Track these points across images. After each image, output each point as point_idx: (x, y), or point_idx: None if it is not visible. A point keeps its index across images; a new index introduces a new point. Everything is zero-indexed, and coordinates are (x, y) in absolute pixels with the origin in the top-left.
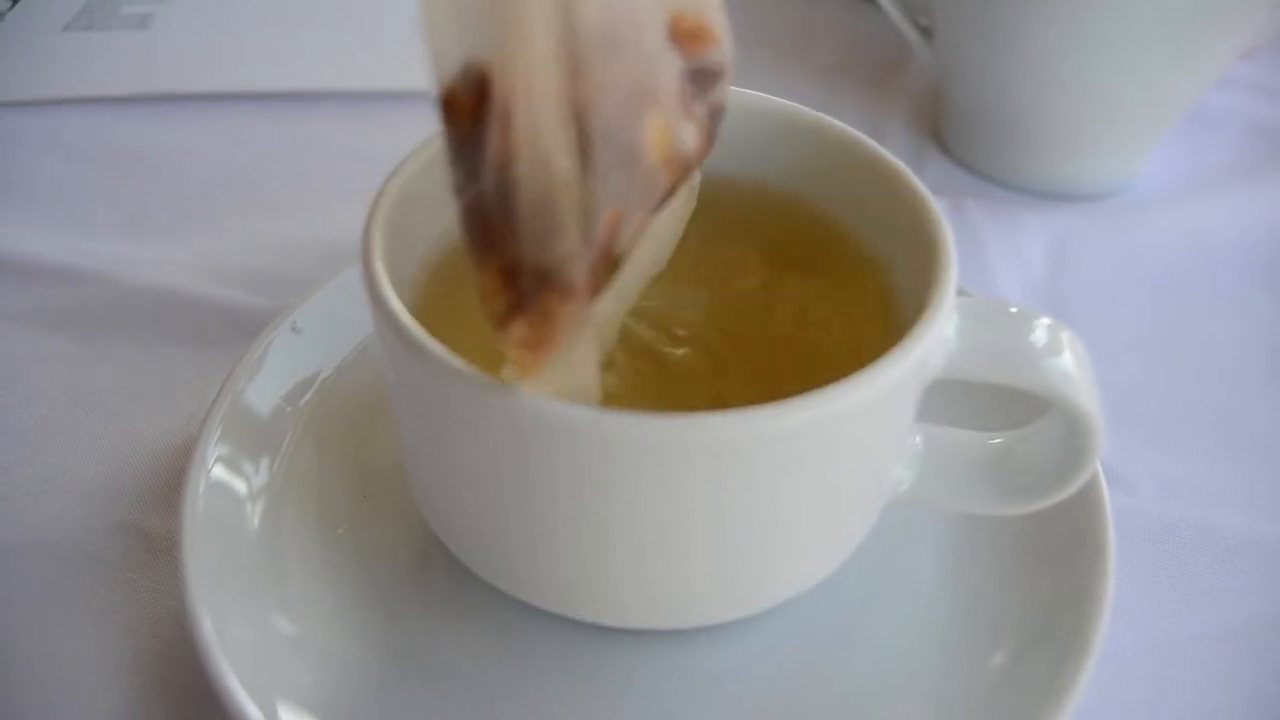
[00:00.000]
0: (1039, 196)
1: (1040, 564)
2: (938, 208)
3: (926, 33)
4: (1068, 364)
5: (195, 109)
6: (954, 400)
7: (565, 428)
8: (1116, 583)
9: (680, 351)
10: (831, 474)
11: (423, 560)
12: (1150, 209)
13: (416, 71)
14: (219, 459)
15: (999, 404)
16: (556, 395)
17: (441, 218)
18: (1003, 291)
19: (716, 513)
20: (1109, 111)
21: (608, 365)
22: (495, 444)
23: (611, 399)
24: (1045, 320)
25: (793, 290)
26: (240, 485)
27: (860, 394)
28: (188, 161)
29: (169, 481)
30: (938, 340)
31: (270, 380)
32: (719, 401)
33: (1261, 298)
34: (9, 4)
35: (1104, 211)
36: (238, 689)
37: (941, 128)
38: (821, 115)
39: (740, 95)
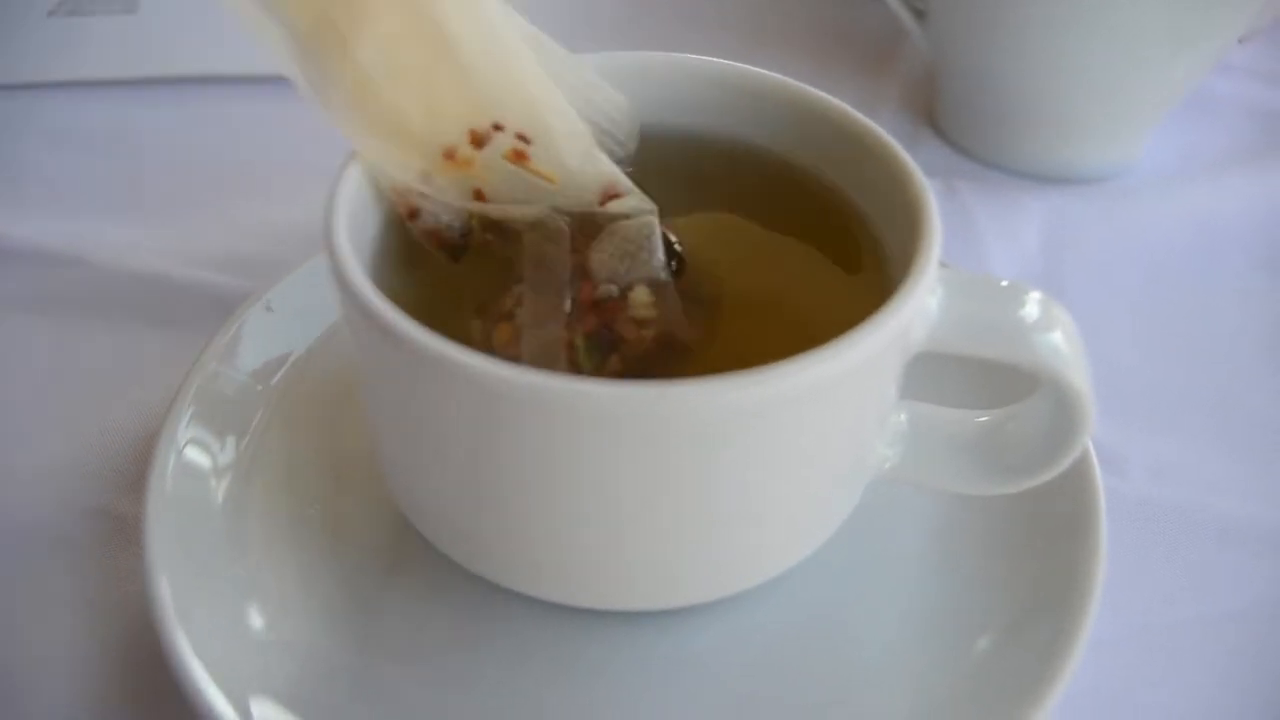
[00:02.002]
0: (1034, 179)
1: (1030, 545)
2: (921, 176)
3: (920, 14)
4: (1058, 339)
5: (179, 92)
6: (941, 378)
7: (536, 397)
8: (1107, 565)
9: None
10: (810, 445)
11: (394, 541)
12: (1147, 192)
13: None
14: (188, 440)
15: (987, 382)
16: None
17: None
18: (995, 274)
19: (691, 483)
20: (1107, 94)
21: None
22: (466, 416)
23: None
24: (1035, 294)
25: (787, 253)
26: (208, 464)
27: (836, 364)
28: (170, 145)
29: (142, 465)
30: (919, 310)
31: (242, 359)
32: (697, 370)
33: (1259, 281)
34: None
35: (1100, 195)
36: (199, 673)
37: (935, 110)
38: (812, 88)
39: (744, 71)
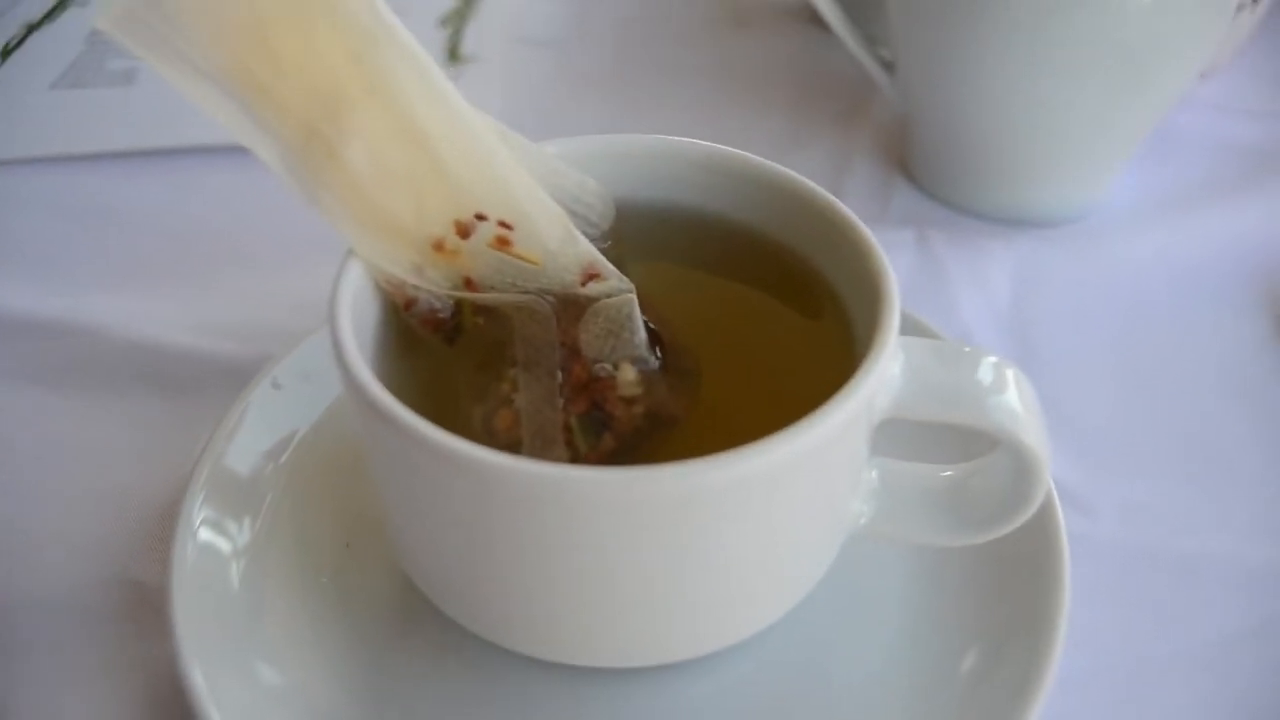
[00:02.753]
0: (1004, 224)
1: (999, 589)
2: (882, 252)
3: (889, 66)
4: (1013, 401)
5: (178, 163)
6: (910, 430)
7: (532, 483)
8: (1078, 606)
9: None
10: (786, 514)
11: (404, 605)
12: (1115, 232)
13: None
14: (204, 521)
15: (958, 436)
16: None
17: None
18: (966, 320)
19: (676, 553)
20: (1069, 138)
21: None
22: (466, 499)
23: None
24: (991, 358)
25: (760, 318)
26: (225, 544)
27: (804, 440)
28: (167, 215)
29: (159, 534)
30: (880, 382)
31: (251, 438)
32: (682, 440)
33: (1227, 318)
34: None
35: (1068, 236)
36: None
37: (907, 159)
38: (779, 166)
39: (709, 149)
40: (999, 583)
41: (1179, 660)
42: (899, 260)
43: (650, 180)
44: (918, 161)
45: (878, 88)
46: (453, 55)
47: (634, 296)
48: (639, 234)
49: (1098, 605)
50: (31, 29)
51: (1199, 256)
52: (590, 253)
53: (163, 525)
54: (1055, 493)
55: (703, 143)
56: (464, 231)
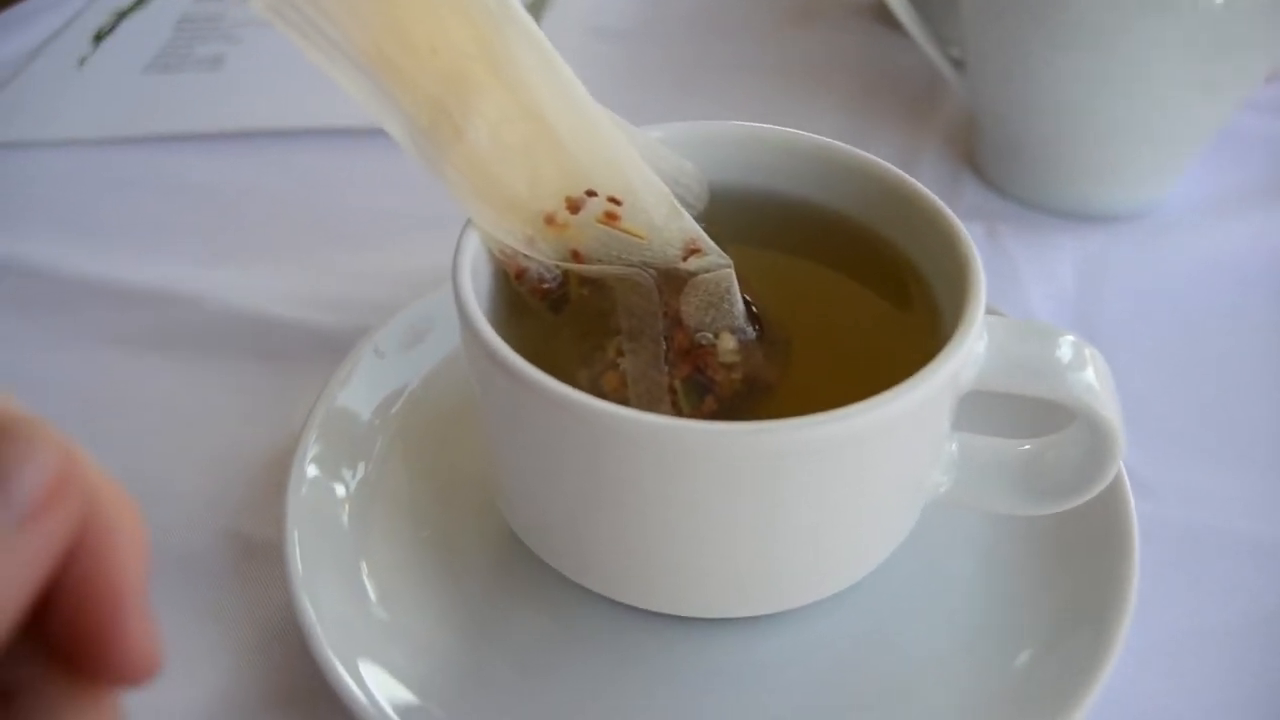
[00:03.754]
0: (1071, 219)
1: (1070, 561)
2: (968, 236)
3: (959, 64)
4: (1090, 377)
5: (270, 144)
6: (988, 410)
7: (636, 433)
8: (1140, 580)
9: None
10: (873, 476)
11: (499, 556)
12: (1178, 229)
13: None
14: (316, 461)
15: (1029, 415)
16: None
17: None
18: (1034, 311)
19: (766, 511)
20: (1136, 138)
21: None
22: (581, 450)
23: (686, 403)
24: (1070, 337)
25: (848, 297)
26: (337, 487)
27: (898, 405)
28: (264, 195)
29: (265, 489)
30: (968, 357)
31: (358, 395)
32: (777, 406)
33: None
34: (92, 48)
35: (1133, 232)
36: (335, 662)
37: (976, 154)
38: (867, 153)
39: (799, 136)
40: (1070, 556)
41: (1235, 633)
42: None
43: (743, 165)
44: (987, 158)
45: (944, 85)
46: None
47: (732, 271)
48: (731, 216)
49: (1160, 580)
50: (122, 16)
51: (1259, 253)
52: (693, 229)
53: (267, 482)
54: (1124, 471)
55: (793, 130)
56: (574, 206)
